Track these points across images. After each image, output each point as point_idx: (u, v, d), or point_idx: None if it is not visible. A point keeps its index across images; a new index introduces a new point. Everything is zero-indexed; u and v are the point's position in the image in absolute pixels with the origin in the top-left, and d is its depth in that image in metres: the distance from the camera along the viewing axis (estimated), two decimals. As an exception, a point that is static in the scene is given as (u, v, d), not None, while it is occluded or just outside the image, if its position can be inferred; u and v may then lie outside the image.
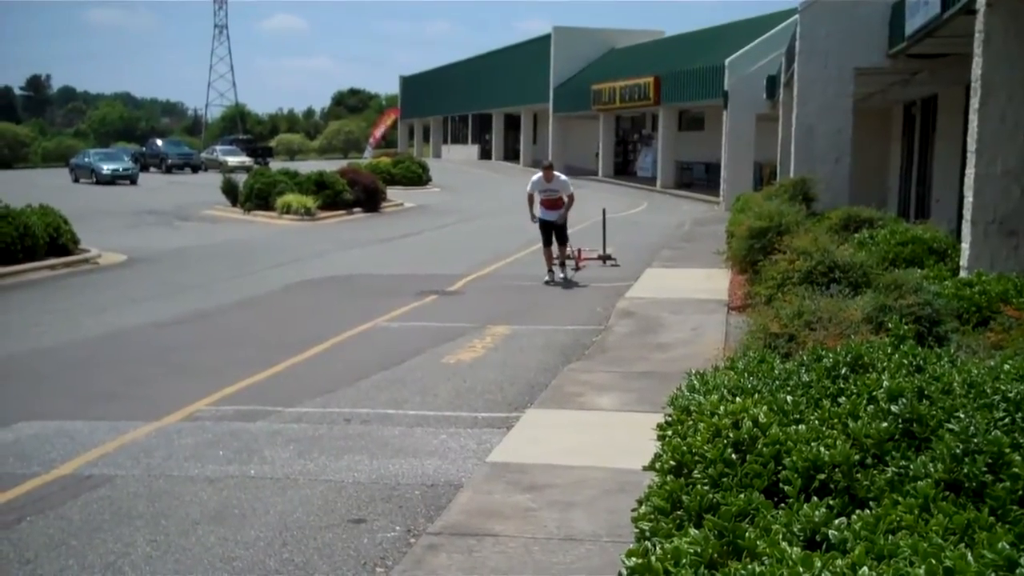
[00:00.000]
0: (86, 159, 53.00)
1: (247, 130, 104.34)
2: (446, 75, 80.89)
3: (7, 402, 9.16)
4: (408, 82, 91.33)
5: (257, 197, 33.22)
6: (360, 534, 5.92)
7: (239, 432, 8.05)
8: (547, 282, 16.80)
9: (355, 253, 22.31)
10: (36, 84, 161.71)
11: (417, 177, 49.57)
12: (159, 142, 68.31)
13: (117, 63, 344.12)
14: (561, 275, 17.19)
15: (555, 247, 17.37)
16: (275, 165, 49.99)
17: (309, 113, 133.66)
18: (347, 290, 16.35)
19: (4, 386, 9.95)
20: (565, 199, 17.14)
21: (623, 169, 56.18)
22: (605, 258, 19.36)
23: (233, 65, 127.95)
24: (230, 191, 35.23)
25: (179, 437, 7.92)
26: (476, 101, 73.45)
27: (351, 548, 5.71)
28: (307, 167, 41.61)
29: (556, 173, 17.23)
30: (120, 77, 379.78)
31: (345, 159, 63.13)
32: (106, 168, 50.11)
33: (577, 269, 18.18)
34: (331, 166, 41.02)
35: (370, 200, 35.40)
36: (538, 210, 17.23)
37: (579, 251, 18.90)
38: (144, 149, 66.79)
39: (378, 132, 73.58)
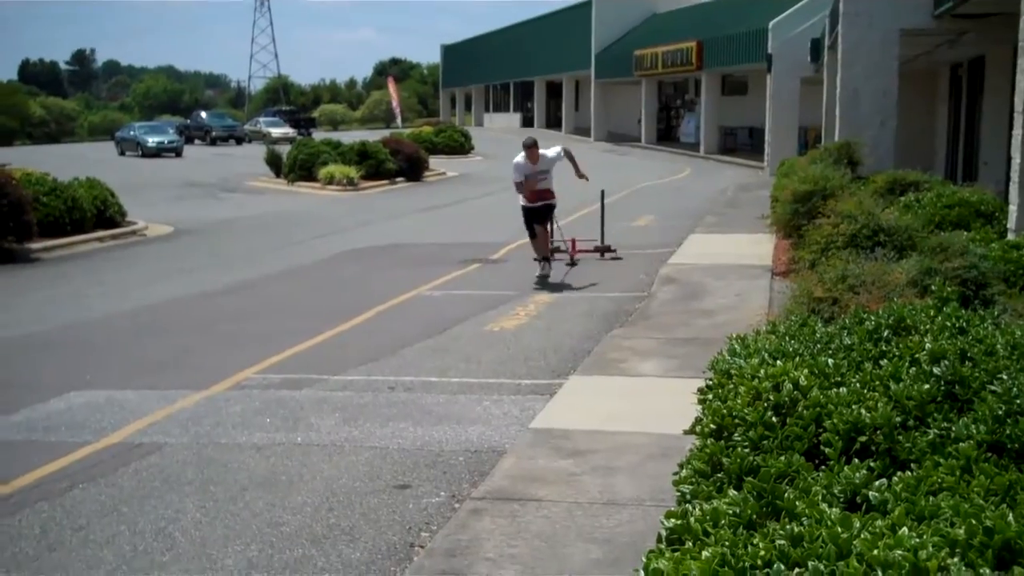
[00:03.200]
0: (131, 132, 53.44)
1: (290, 101, 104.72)
2: (487, 43, 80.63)
3: (59, 372, 9.33)
4: (449, 51, 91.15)
5: (300, 168, 33.36)
6: (405, 499, 5.99)
7: (286, 400, 8.15)
8: (543, 277, 14.04)
9: (398, 222, 22.39)
10: (81, 59, 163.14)
11: (459, 146, 49.59)
12: (203, 114, 68.76)
13: (161, 36, 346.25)
14: (549, 269, 14.31)
15: (547, 231, 14.52)
16: (318, 136, 50.16)
17: (351, 84, 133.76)
18: (390, 259, 16.43)
19: (56, 356, 10.13)
20: (552, 183, 14.35)
21: (666, 135, 55.82)
22: (603, 250, 16.11)
23: (275, 37, 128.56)
24: (274, 162, 35.42)
25: (227, 405, 8.03)
26: (518, 69, 73.21)
27: (396, 513, 5.78)
28: (350, 137, 41.74)
29: (543, 151, 14.04)
30: (164, 50, 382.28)
31: (387, 129, 63.16)
32: (151, 141, 50.50)
33: (572, 264, 15.30)
34: (373, 136, 41.11)
35: (413, 169, 35.45)
36: (524, 200, 14.31)
37: (572, 242, 15.77)
38: (188, 122, 67.22)
39: (395, 101, 73.59)
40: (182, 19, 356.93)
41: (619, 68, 54.87)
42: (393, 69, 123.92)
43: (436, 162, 40.39)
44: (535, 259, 14.42)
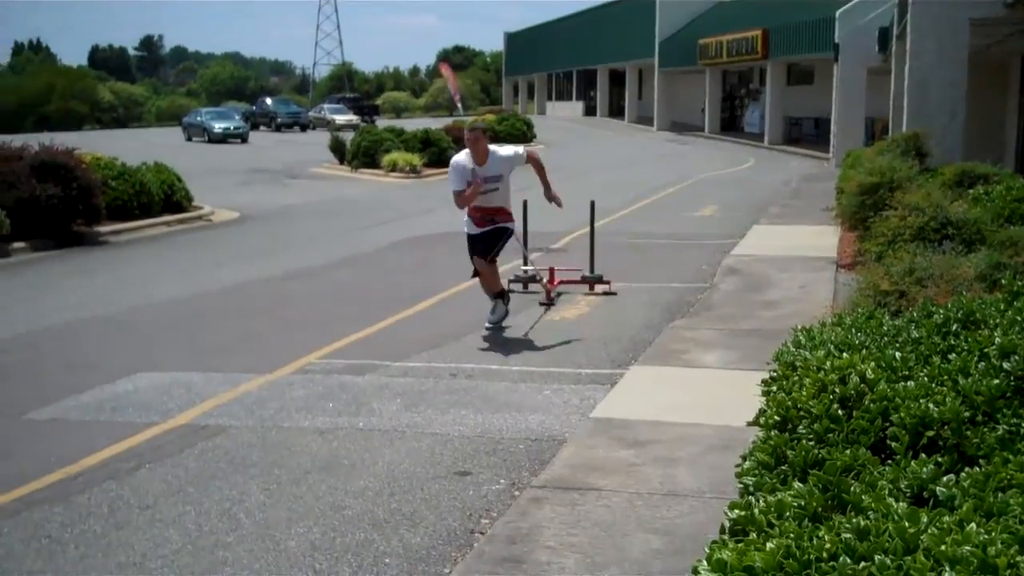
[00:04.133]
0: (198, 118, 54.13)
1: (354, 88, 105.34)
2: (551, 31, 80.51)
3: (127, 354, 9.48)
4: (513, 39, 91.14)
5: (364, 155, 33.58)
6: (465, 486, 6.02)
7: (348, 385, 8.22)
8: (495, 324, 10.34)
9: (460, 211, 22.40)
10: (149, 44, 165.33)
11: (521, 134, 49.56)
12: (268, 101, 69.52)
13: (227, 23, 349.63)
14: (505, 309, 10.48)
15: (495, 265, 10.45)
16: (381, 123, 50.45)
17: (414, 71, 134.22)
18: (452, 247, 16.43)
19: (124, 338, 10.30)
20: (507, 198, 10.34)
21: (730, 125, 55.37)
22: (594, 281, 12.26)
23: (340, 24, 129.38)
24: (337, 149, 35.70)
25: (290, 389, 8.12)
26: (581, 57, 73.01)
27: (457, 499, 5.81)
28: (413, 125, 41.90)
29: (493, 147, 10.08)
30: (230, 37, 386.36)
31: (450, 117, 63.37)
32: (218, 127, 51.11)
33: (549, 302, 11.56)
34: (436, 124, 41.24)
35: (475, 157, 35.50)
36: (468, 223, 10.28)
37: (551, 271, 12.29)
38: (254, 108, 68.00)
39: (453, 88, 73.72)
40: (249, 6, 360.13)
41: (683, 57, 54.50)
42: (456, 57, 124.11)
43: (498, 150, 40.36)
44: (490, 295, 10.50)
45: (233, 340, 10.08)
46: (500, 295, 10.43)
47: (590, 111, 74.96)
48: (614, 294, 11.99)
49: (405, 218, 20.75)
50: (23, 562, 5.05)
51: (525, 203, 12.71)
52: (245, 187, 28.52)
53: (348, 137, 36.44)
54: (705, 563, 2.70)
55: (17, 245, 16.71)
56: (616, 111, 70.38)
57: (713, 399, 7.39)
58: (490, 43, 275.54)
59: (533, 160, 10.50)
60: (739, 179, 29.99)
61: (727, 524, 2.99)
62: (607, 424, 6.83)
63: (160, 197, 20.44)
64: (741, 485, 3.61)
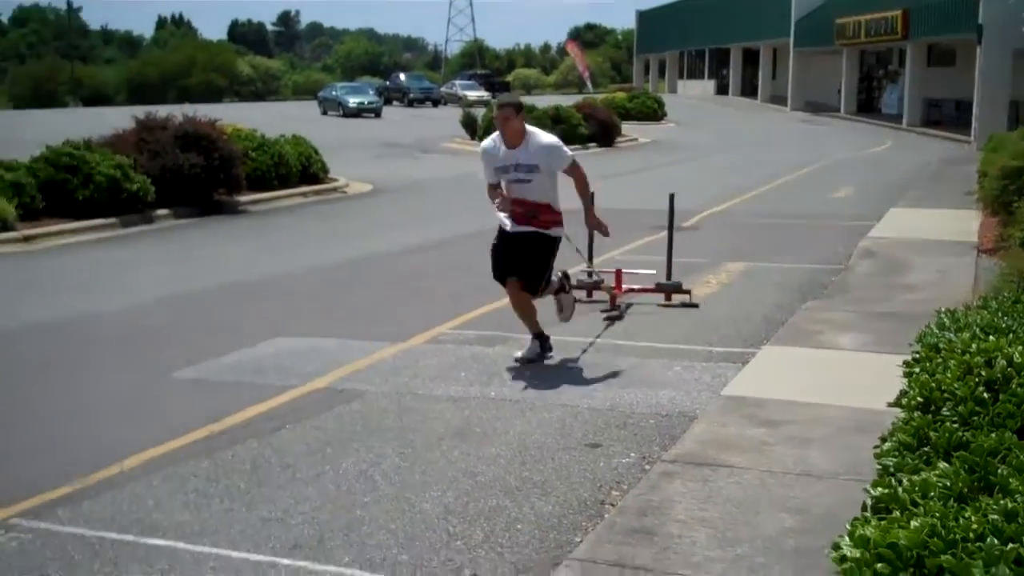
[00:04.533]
0: (333, 92, 55.16)
1: (485, 65, 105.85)
2: (683, 9, 79.59)
3: (266, 319, 9.77)
4: (645, 16, 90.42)
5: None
6: (596, 458, 6.06)
7: (479, 355, 8.34)
8: (527, 360, 8.16)
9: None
10: (286, 20, 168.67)
11: (652, 112, 49.29)
12: (402, 76, 70.45)
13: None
14: (539, 351, 8.28)
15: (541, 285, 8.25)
16: (512, 99, 50.52)
17: (545, 48, 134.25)
18: (581, 223, 16.48)
19: (263, 304, 10.62)
20: (549, 193, 8.20)
21: (866, 106, 54.10)
22: (671, 290, 10.35)
23: (472, 0, 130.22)
24: (469, 124, 36.02)
25: (423, 358, 8.27)
26: (713, 35, 72.06)
27: (587, 471, 5.86)
28: (543, 102, 41.96)
29: (532, 129, 8.15)
30: (364, 13, 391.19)
31: (580, 94, 63.24)
32: (352, 101, 52.00)
33: (614, 313, 9.93)
34: (566, 101, 41.22)
35: (605, 135, 35.48)
36: (502, 215, 8.20)
37: (617, 275, 10.38)
38: (387, 83, 68.93)
39: (581, 66, 73.35)
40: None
41: (819, 36, 53.39)
42: (588, 35, 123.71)
43: (628, 128, 40.23)
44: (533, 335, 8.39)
45: (367, 308, 10.30)
46: (539, 336, 8.31)
47: (722, 90, 73.96)
48: (695, 306, 10.15)
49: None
50: (172, 514, 5.27)
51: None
52: (378, 160, 28.98)
53: (479, 113, 36.70)
54: (847, 539, 2.70)
55: (160, 212, 17.31)
56: (748, 90, 69.31)
57: (848, 381, 7.28)
58: (622, 20, 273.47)
59: (577, 174, 8.20)
60: (876, 161, 29.31)
61: (869, 502, 2.97)
62: (739, 402, 6.79)
63: (297, 168, 20.94)
64: (880, 467, 3.58)
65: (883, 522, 2.79)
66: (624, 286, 10.33)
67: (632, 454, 6.13)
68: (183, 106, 25.72)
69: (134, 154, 17.43)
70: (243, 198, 19.01)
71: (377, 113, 51.89)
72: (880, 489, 3.00)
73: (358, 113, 51.05)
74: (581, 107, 36.84)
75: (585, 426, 6.63)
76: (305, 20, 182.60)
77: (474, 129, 35.39)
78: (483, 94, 62.14)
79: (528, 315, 8.25)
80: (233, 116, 30.10)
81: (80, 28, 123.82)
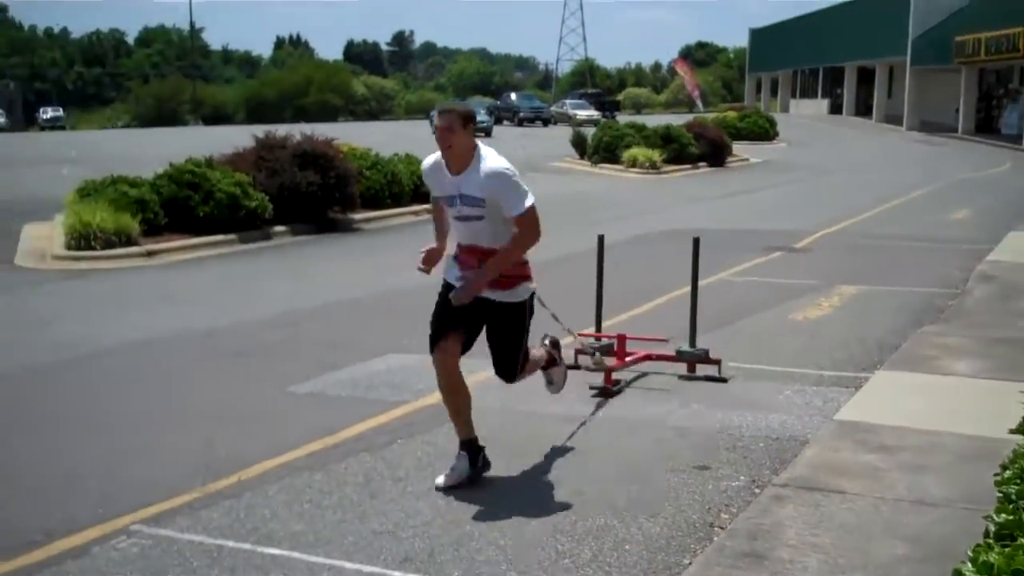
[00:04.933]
0: (445, 112, 55.68)
1: (595, 84, 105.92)
2: (796, 27, 78.76)
3: (379, 335, 9.94)
4: (757, 34, 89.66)
5: (604, 150, 33.85)
6: (704, 480, 6.05)
7: (589, 376, 8.36)
8: (445, 487, 5.89)
9: (699, 207, 22.33)
10: (400, 39, 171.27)
11: (763, 132, 48.78)
12: (512, 96, 70.89)
13: (474, 19, 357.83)
14: (467, 469, 6.01)
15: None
16: (622, 119, 50.53)
17: (656, 67, 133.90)
18: (684, 245, 16.39)
19: (376, 321, 10.82)
20: (495, 239, 5.97)
21: (985, 126, 52.78)
22: (695, 360, 8.37)
23: (584, 20, 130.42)
24: (578, 144, 36.11)
25: (535, 377, 8.29)
26: (827, 54, 71.10)
27: (696, 492, 5.85)
28: (653, 121, 41.87)
29: (484, 150, 5.90)
30: (477, 33, 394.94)
31: (690, 113, 62.94)
32: (463, 120, 52.43)
33: (608, 391, 7.87)
34: (677, 120, 41.08)
35: (715, 154, 35.27)
36: (450, 261, 6.37)
37: (620, 340, 8.42)
38: (498, 102, 69.43)
39: (691, 85, 72.82)
40: (497, 3, 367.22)
41: (937, 54, 52.29)
42: (699, 53, 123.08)
43: (739, 148, 39.92)
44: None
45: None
46: (469, 446, 6.03)
47: (835, 109, 72.88)
48: (723, 380, 8.21)
49: (642, 213, 20.82)
50: (287, 524, 5.41)
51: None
52: (488, 179, 29.18)
53: (589, 132, 36.78)
54: (969, 565, 2.68)
55: (277, 229, 17.72)
56: (863, 109, 68.16)
57: (964, 408, 7.14)
58: (734, 39, 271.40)
59: (529, 227, 5.87)
60: (995, 182, 28.59)
61: (992, 528, 2.93)
62: (852, 427, 6.71)
63: (410, 187, 21.24)
64: (1001, 494, 3.52)
65: (1007, 549, 2.75)
66: (626, 355, 8.31)
67: (742, 477, 6.10)
68: (300, 125, 26.30)
69: (253, 172, 17.89)
70: (357, 216, 19.35)
71: (487, 132, 52.29)
72: (1004, 516, 2.95)
73: (469, 132, 51.49)
74: (692, 126, 36.70)
75: (694, 448, 6.62)
76: (419, 40, 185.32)
77: (584, 148, 35.48)
78: (593, 113, 62.25)
79: (460, 406, 6.03)
80: (348, 135, 30.63)
81: (202, 48, 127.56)
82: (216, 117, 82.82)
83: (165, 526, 5.39)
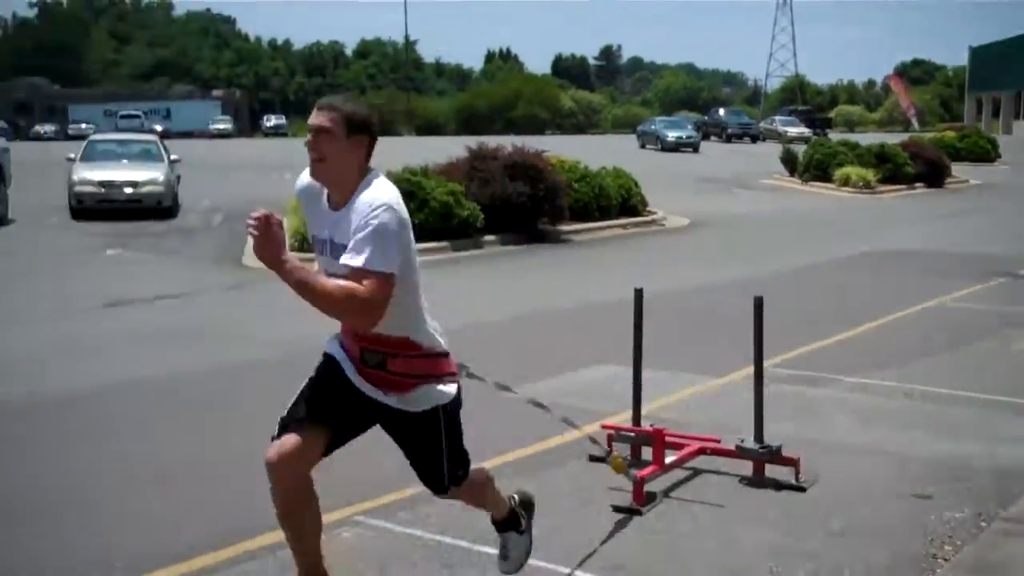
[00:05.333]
0: (652, 126, 55.74)
1: (806, 100, 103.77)
2: (1020, 45, 75.13)
3: (590, 345, 10.04)
4: (978, 53, 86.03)
5: (815, 168, 33.18)
6: (925, 510, 5.85)
7: (800, 395, 8.24)
8: None
9: (916, 228, 21.62)
10: (608, 54, 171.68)
11: (984, 153, 46.70)
12: (721, 111, 70.18)
13: (683, 34, 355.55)
14: None
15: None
16: (833, 136, 49.42)
17: (869, 84, 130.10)
18: (907, 265, 15.93)
19: (588, 331, 10.95)
20: (408, 308, 3.99)
21: None
22: (763, 459, 6.24)
23: (795, 35, 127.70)
24: (789, 161, 35.49)
25: (739, 393, 8.21)
26: (1058, 73, 67.60)
27: (916, 522, 5.67)
28: (866, 139, 40.75)
29: (380, 180, 3.87)
30: (685, 48, 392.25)
31: (905, 133, 60.84)
32: (670, 135, 52.31)
33: (639, 510, 5.77)
34: (891, 139, 39.83)
35: (933, 175, 34.03)
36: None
37: (659, 436, 6.23)
38: (705, 118, 68.91)
39: (905, 103, 70.20)
40: (705, 18, 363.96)
41: None
42: (914, 71, 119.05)
43: (958, 169, 38.39)
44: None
45: (680, 341, 10.35)
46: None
47: (1064, 131, 69.25)
48: (802, 489, 6.11)
49: (856, 233, 20.29)
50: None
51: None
52: (696, 195, 29.03)
53: (799, 149, 36.10)
54: None
55: (488, 238, 18.09)
56: (1096, 132, 64.52)
57: None
58: (952, 58, 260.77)
59: (358, 284, 3.68)
60: None
61: None
62: (1085, 464, 6.39)
63: (617, 200, 21.34)
64: None
65: None
66: (662, 457, 6.20)
67: (965, 509, 5.87)
68: (510, 137, 26.77)
69: (465, 182, 18.30)
70: (565, 227, 19.55)
71: (695, 148, 51.96)
72: None
73: (676, 147, 51.25)
74: (907, 145, 35.54)
75: (913, 476, 6.41)
76: (627, 55, 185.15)
77: (794, 166, 34.83)
78: (803, 130, 60.95)
79: (302, 530, 4.17)
80: (555, 148, 31.03)
81: (416, 61, 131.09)
82: (428, 128, 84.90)
83: (386, 519, 5.60)
